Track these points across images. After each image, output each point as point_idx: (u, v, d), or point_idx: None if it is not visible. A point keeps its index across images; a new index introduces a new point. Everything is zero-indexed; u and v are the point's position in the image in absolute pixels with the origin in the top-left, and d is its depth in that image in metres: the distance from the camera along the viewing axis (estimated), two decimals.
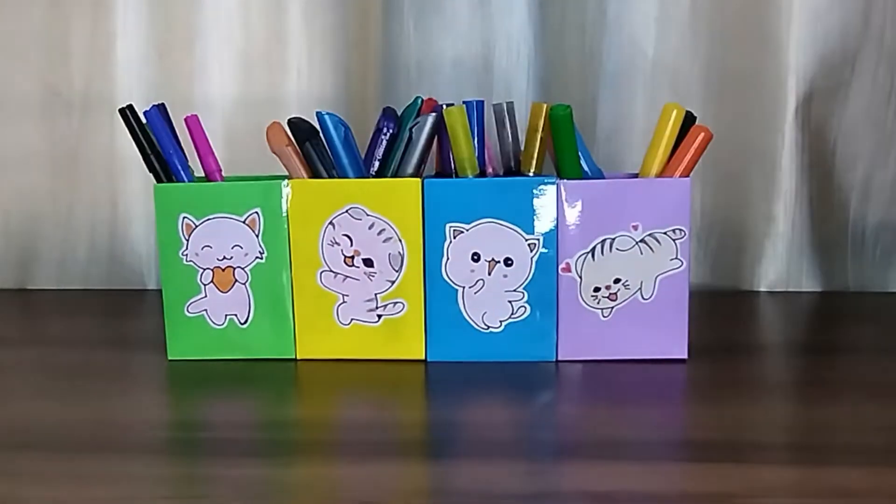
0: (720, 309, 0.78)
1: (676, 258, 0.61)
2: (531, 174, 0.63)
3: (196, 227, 0.63)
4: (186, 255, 0.63)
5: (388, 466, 0.47)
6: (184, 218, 0.63)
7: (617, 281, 0.61)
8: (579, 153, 0.61)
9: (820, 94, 0.80)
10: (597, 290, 0.61)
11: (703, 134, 0.59)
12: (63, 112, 0.86)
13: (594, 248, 0.61)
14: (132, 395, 0.60)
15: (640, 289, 0.61)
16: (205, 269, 0.63)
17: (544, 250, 0.61)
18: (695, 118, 0.61)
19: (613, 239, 0.60)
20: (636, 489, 0.43)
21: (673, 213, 0.60)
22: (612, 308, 0.62)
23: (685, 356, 0.62)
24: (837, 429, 0.51)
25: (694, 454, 0.48)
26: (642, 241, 0.60)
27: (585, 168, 0.62)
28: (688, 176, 0.60)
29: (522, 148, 0.64)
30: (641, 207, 0.60)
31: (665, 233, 0.60)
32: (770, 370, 0.63)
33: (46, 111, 0.86)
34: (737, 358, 0.64)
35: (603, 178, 0.63)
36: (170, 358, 0.64)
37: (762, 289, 0.84)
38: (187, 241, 0.63)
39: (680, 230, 0.60)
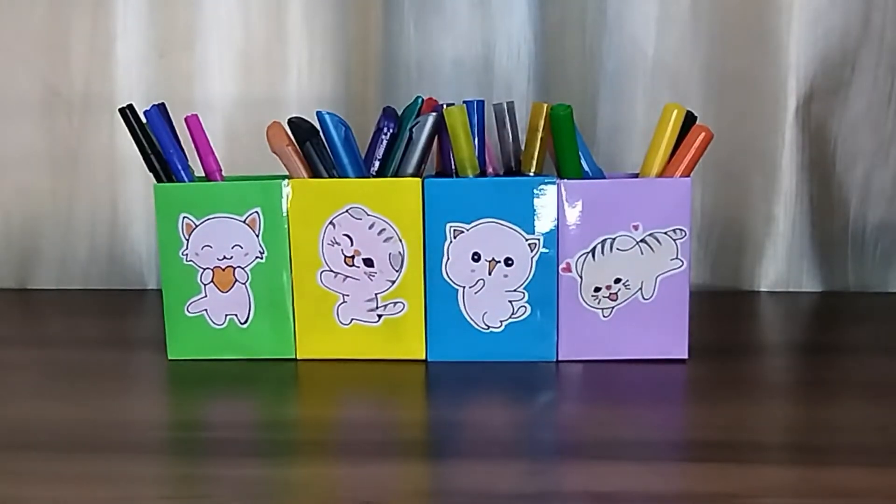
0: (720, 309, 0.78)
1: (677, 258, 0.61)
2: (531, 174, 0.63)
3: (196, 226, 0.63)
4: (186, 254, 0.63)
5: (389, 466, 0.47)
6: (184, 218, 0.63)
7: (617, 281, 0.61)
8: (580, 153, 0.61)
9: (820, 94, 0.80)
10: (597, 289, 0.61)
11: (703, 134, 0.59)
12: (63, 112, 0.86)
13: (594, 247, 0.61)
14: (132, 395, 0.60)
15: (641, 289, 0.61)
16: (205, 269, 0.63)
17: (545, 250, 0.61)
18: (695, 118, 0.61)
19: (614, 239, 0.60)
20: (636, 489, 0.43)
21: (673, 213, 0.60)
22: (613, 308, 0.62)
23: (685, 356, 0.62)
24: (837, 429, 0.51)
25: (694, 454, 0.48)
26: (643, 241, 0.60)
27: (586, 168, 0.62)
28: (688, 176, 0.60)
29: (523, 148, 0.64)
30: (642, 207, 0.60)
31: (665, 233, 0.60)
32: (770, 370, 0.63)
33: (46, 111, 0.86)
34: (737, 358, 0.64)
35: (604, 177, 0.63)
36: (170, 358, 0.64)
37: (762, 289, 0.84)
38: (187, 240, 0.63)
39: (680, 230, 0.60)
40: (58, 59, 0.85)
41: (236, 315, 0.64)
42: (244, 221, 0.63)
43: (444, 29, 0.82)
